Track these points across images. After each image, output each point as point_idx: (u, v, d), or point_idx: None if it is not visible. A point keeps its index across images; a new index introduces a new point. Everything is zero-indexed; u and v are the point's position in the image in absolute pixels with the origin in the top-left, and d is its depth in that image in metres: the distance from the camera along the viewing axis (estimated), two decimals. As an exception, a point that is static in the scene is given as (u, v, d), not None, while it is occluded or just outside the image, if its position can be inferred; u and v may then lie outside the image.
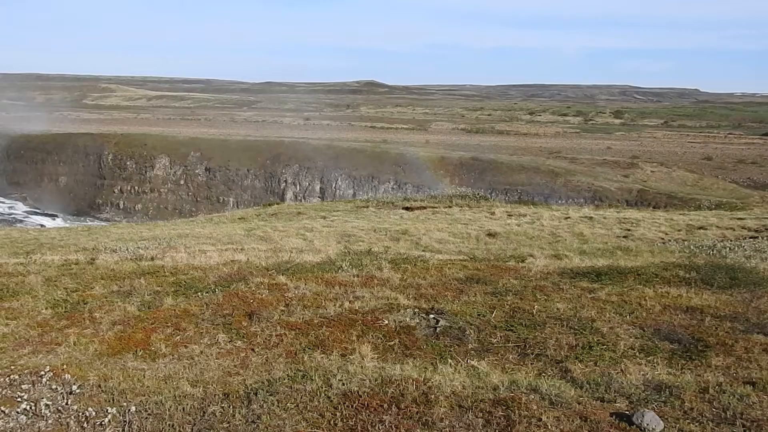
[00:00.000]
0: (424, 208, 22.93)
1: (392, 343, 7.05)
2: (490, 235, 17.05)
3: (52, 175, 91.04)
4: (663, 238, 16.71)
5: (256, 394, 5.74)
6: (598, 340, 7.09)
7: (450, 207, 23.34)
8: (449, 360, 6.62)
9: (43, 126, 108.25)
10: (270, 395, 5.68)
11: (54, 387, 5.91)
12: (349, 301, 8.32)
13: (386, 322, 7.56)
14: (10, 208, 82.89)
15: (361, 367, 6.37)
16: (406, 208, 22.88)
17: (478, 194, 26.20)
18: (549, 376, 6.24)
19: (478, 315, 7.90)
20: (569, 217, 20.54)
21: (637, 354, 6.73)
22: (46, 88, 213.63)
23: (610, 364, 6.49)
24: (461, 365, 6.50)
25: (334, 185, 71.36)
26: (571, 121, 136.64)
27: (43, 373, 6.18)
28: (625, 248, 14.16)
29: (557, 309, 8.09)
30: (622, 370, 6.29)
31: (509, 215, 21.42)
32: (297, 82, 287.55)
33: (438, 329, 7.40)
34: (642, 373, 6.22)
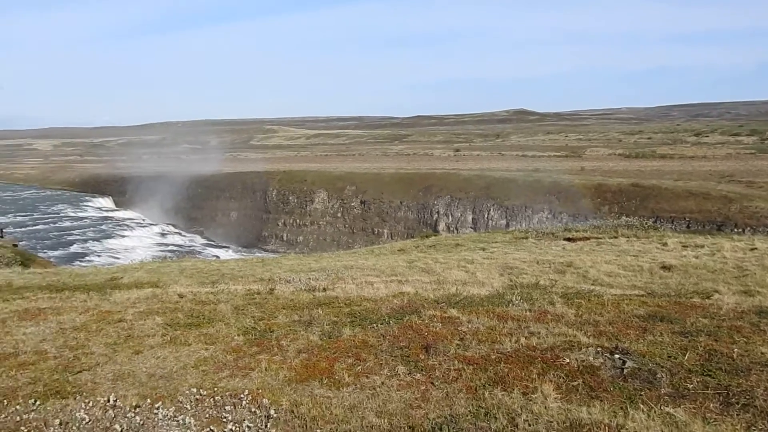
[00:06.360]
0: (588, 238, 21.94)
1: (576, 383, 6.74)
2: (665, 268, 15.89)
3: (224, 211, 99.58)
4: None
5: (440, 428, 5.74)
6: (818, 390, 6.27)
7: (615, 237, 22.13)
8: (641, 405, 6.18)
9: (217, 166, 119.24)
10: None
11: (253, 410, 6.33)
12: (525, 337, 8.11)
13: (567, 360, 7.26)
14: (190, 241, 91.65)
15: (545, 407, 6.15)
16: (568, 239, 22.03)
17: (647, 224, 24.57)
18: (761, 430, 5.61)
19: (668, 357, 7.33)
20: (756, 248, 18.58)
21: None
22: (219, 132, 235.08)
23: (837, 419, 5.70)
24: (655, 412, 6.04)
25: (486, 215, 70.79)
26: (744, 141, 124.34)
27: (242, 396, 6.65)
28: (833, 284, 12.51)
29: (762, 353, 7.29)
30: None
31: (684, 246, 19.84)
32: (446, 115, 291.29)
33: (625, 371, 6.97)
34: None
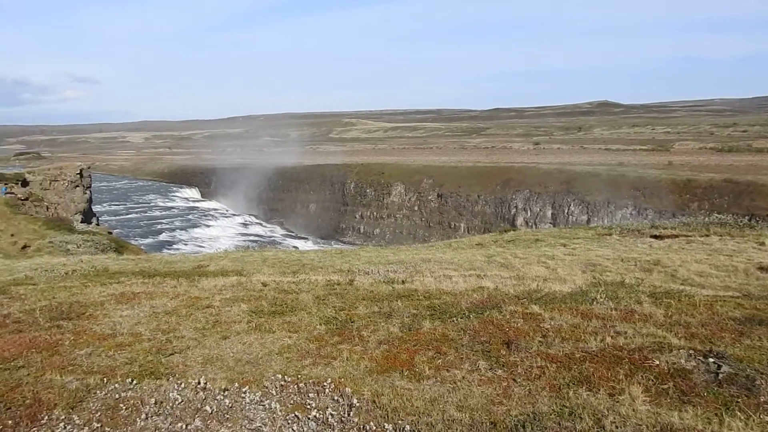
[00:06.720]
0: (676, 236, 20.95)
1: (666, 386, 6.47)
2: (763, 269, 15.00)
3: (303, 203, 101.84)
4: None
5: (523, 426, 5.65)
6: None
7: (707, 235, 21.03)
8: (738, 413, 5.86)
9: (297, 159, 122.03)
10: (538, 430, 5.56)
11: (336, 398, 6.45)
12: (611, 336, 7.85)
13: (656, 362, 6.97)
14: (270, 231, 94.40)
15: (633, 409, 5.94)
16: (655, 236, 21.12)
17: (742, 222, 23.20)
18: None
19: (769, 363, 6.91)
20: None
21: None
22: (299, 126, 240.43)
23: None
24: (753, 420, 5.71)
25: (566, 211, 68.96)
26: None
27: (325, 384, 6.78)
28: None
29: None
30: None
31: (784, 246, 18.62)
32: (525, 107, 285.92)
33: (720, 375, 6.62)
34: None
